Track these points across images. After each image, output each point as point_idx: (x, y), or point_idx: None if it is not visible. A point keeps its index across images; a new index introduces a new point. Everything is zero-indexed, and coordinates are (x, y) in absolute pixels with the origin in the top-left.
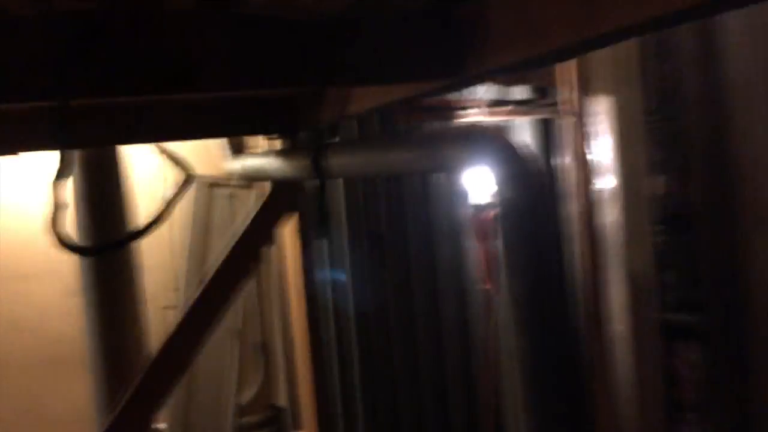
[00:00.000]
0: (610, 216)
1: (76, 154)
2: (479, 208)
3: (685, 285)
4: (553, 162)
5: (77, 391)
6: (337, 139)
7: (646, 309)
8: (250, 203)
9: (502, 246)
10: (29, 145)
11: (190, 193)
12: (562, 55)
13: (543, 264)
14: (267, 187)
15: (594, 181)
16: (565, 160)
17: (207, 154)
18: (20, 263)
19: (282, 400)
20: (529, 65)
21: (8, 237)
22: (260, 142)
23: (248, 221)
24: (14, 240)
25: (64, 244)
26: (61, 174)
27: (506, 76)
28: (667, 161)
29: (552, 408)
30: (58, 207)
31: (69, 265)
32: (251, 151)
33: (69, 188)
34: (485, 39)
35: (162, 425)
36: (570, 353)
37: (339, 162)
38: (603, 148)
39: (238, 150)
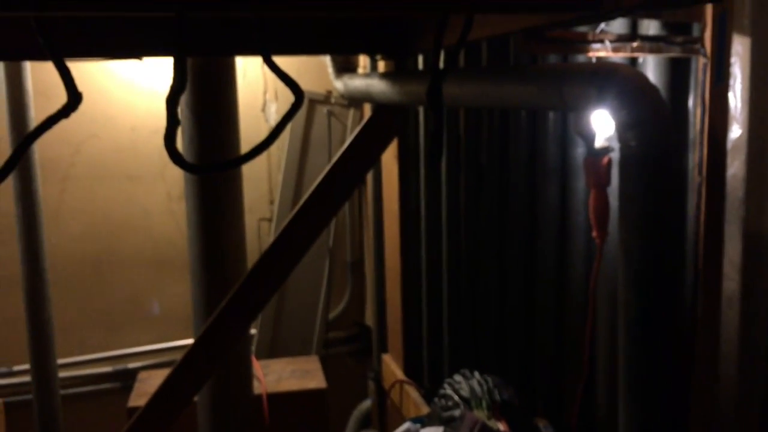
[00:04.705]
0: (732, 168)
1: (189, 71)
2: (593, 152)
3: None
4: (681, 107)
5: (177, 292)
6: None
7: (759, 269)
8: (349, 122)
9: (619, 195)
10: (150, 51)
11: (288, 107)
12: None
13: (662, 220)
14: (366, 106)
15: (720, 129)
16: (692, 105)
17: (307, 71)
18: (128, 165)
19: (368, 320)
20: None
21: (118, 139)
22: (362, 61)
23: (349, 143)
24: (123, 143)
25: (177, 160)
26: (176, 90)
27: (651, 11)
28: None
29: (653, 367)
30: (172, 123)
31: (172, 169)
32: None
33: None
34: None
35: (252, 331)
36: (679, 311)
37: (447, 91)
38: (733, 95)
39: (341, 69)
